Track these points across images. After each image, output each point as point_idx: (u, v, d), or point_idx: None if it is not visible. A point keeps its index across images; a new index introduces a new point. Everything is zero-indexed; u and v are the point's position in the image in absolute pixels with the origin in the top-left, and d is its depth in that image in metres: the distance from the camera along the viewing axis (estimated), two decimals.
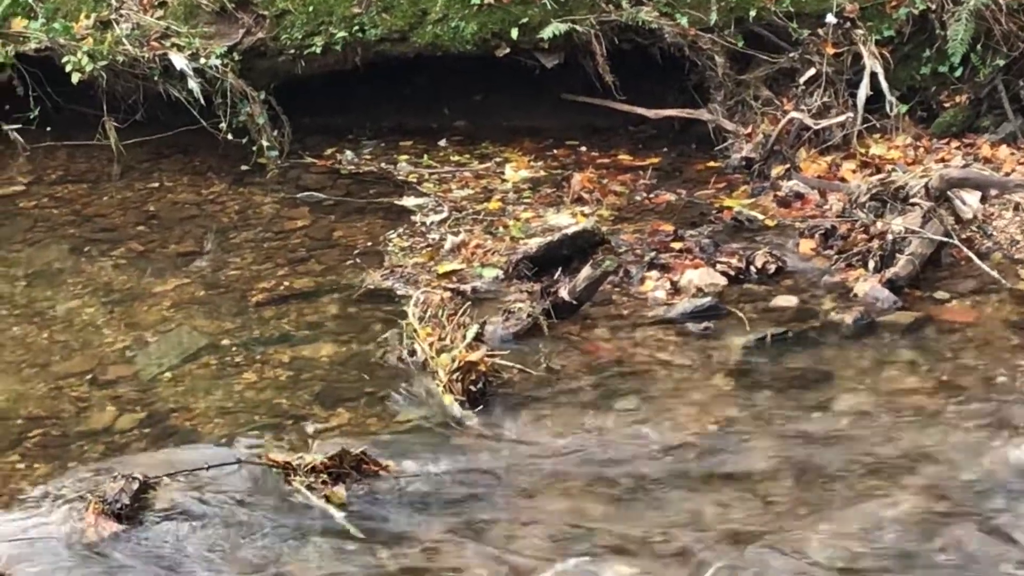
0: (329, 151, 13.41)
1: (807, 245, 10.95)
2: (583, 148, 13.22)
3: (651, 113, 13.17)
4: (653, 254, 10.88)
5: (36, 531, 8.17)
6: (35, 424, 9.25)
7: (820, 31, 12.58)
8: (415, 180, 12.69)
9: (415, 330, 9.69)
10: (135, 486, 8.31)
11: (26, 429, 9.18)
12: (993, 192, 11.15)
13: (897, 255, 10.32)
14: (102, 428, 9.18)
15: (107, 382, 9.71)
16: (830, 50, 12.50)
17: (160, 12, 13.36)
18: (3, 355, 10.12)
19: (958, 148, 12.15)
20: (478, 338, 9.48)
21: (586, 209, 11.73)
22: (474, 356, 9.21)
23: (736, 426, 8.84)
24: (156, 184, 12.95)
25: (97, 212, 12.44)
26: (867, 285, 10.19)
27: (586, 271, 10.20)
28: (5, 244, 11.99)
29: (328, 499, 8.32)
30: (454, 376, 9.16)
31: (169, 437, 9.05)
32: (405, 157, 13.19)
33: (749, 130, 12.48)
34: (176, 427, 9.15)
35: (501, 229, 11.49)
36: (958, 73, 12.41)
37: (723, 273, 10.57)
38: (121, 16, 13.28)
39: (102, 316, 10.66)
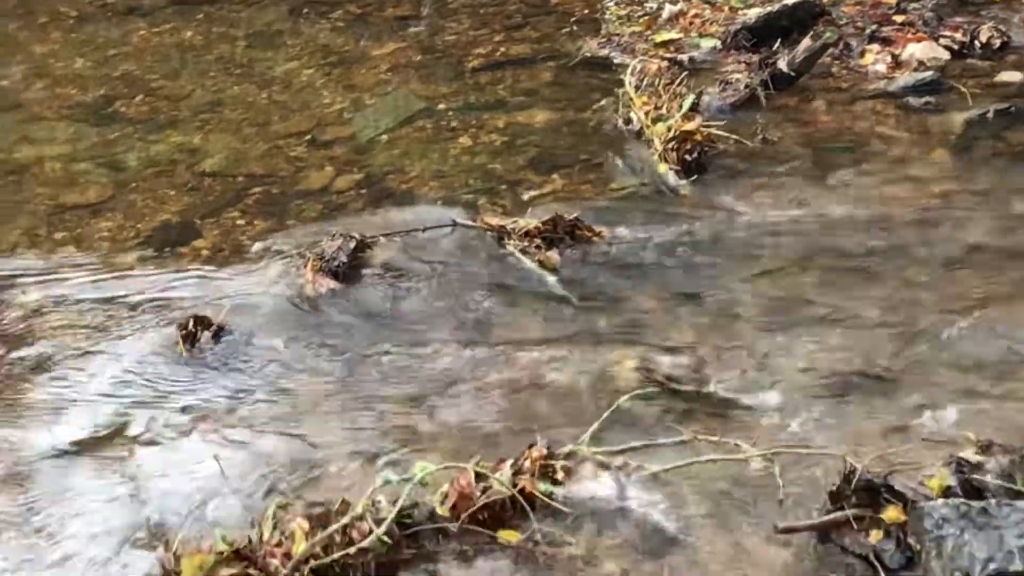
0: None
1: None
2: None
3: None
4: (874, 27, 10.63)
5: (255, 285, 8.36)
6: (255, 182, 9.43)
7: None
8: None
9: (631, 99, 9.62)
10: (352, 245, 8.44)
11: (246, 186, 9.37)
12: None
13: None
14: (319, 188, 9.32)
15: (325, 143, 9.84)
16: None
17: None
18: (224, 114, 10.30)
19: None
20: (694, 108, 9.39)
21: None
22: (690, 126, 9.13)
23: (955, 201, 8.66)
24: None
25: None
26: None
27: (806, 43, 10.00)
28: (226, 5, 12.11)
29: (541, 263, 8.38)
30: (669, 145, 9.09)
31: (385, 199, 9.16)
32: None
33: None
34: (392, 189, 9.26)
35: None
36: None
37: (946, 47, 10.29)
38: None
39: (320, 78, 10.76)
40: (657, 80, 9.74)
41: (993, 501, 5.82)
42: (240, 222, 8.96)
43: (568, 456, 6.45)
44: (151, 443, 6.94)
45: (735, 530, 6.09)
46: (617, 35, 10.89)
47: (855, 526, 5.90)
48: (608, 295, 8.08)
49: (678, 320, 7.83)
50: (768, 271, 8.24)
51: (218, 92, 10.66)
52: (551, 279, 8.25)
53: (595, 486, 6.34)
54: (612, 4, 11.47)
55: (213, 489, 6.45)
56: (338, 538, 5.85)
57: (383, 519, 5.91)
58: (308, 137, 9.88)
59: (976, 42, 10.30)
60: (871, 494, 5.97)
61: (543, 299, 8.11)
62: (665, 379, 7.27)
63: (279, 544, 5.83)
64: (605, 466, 6.43)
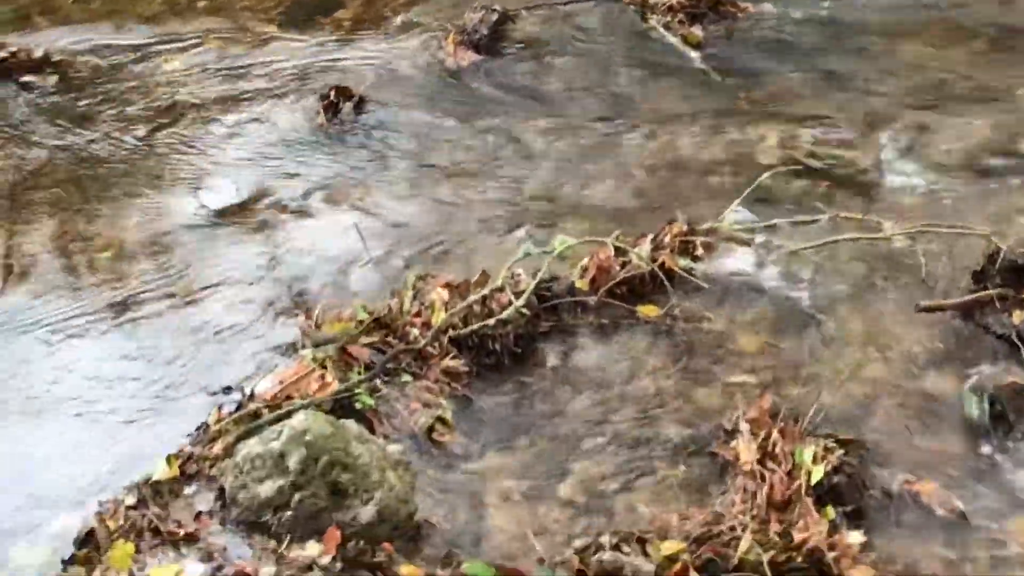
0: None
1: None
2: None
3: None
4: None
5: (396, 57, 8.35)
6: None
7: None
8: None
9: None
10: (494, 17, 8.39)
11: None
12: None
13: None
14: None
15: None
16: None
17: None
18: None
19: None
20: None
21: None
22: None
23: None
24: None
25: None
26: None
27: None
28: None
29: (684, 39, 8.28)
30: None
31: None
32: None
33: None
34: None
35: None
36: None
37: None
38: None
39: None
40: None
41: None
42: None
43: (708, 232, 6.41)
44: (291, 212, 6.99)
45: (875, 308, 6.05)
46: None
47: (998, 306, 5.83)
48: (751, 71, 7.98)
49: (823, 97, 7.73)
50: (919, 48, 8.09)
51: None
52: (694, 54, 8.16)
53: (734, 262, 6.32)
54: None
55: (354, 258, 6.50)
56: (477, 309, 5.89)
57: (522, 291, 5.93)
58: None
59: None
60: (1015, 274, 5.89)
61: (685, 74, 8.03)
62: (808, 156, 7.19)
63: (418, 314, 5.88)
64: (745, 242, 6.39)
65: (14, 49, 8.24)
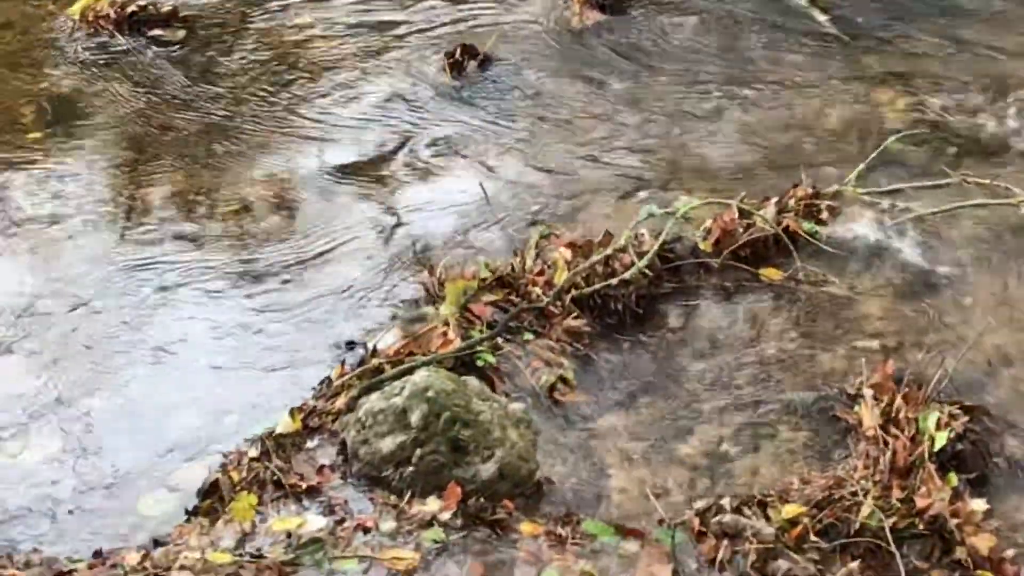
0: None
1: None
2: None
3: None
4: None
5: (522, 16, 8.33)
6: None
7: None
8: None
9: None
10: None
11: None
12: None
13: None
14: None
15: None
16: None
17: None
18: None
19: None
20: None
21: None
22: None
23: None
24: None
25: None
26: None
27: None
28: None
29: (813, 0, 8.22)
30: None
31: None
32: None
33: None
34: None
35: None
36: None
37: None
38: None
39: None
40: None
41: None
42: None
43: (833, 196, 6.37)
44: (415, 169, 7.02)
45: (1002, 276, 5.98)
46: None
47: None
48: (880, 35, 7.89)
49: (952, 61, 7.64)
50: None
51: None
52: (822, 17, 8.09)
53: (860, 227, 6.27)
54: None
55: (476, 217, 6.51)
56: (600, 269, 5.89)
57: (645, 252, 5.92)
58: None
59: None
60: None
61: (813, 37, 7.96)
62: (936, 121, 7.11)
63: (541, 273, 5.89)
64: (871, 207, 6.34)
65: (144, 3, 8.31)
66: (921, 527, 4.68)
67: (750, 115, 7.30)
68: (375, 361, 5.35)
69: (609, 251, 5.93)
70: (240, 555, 4.53)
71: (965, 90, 7.36)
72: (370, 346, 5.51)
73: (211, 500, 4.87)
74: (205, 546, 4.60)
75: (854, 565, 4.53)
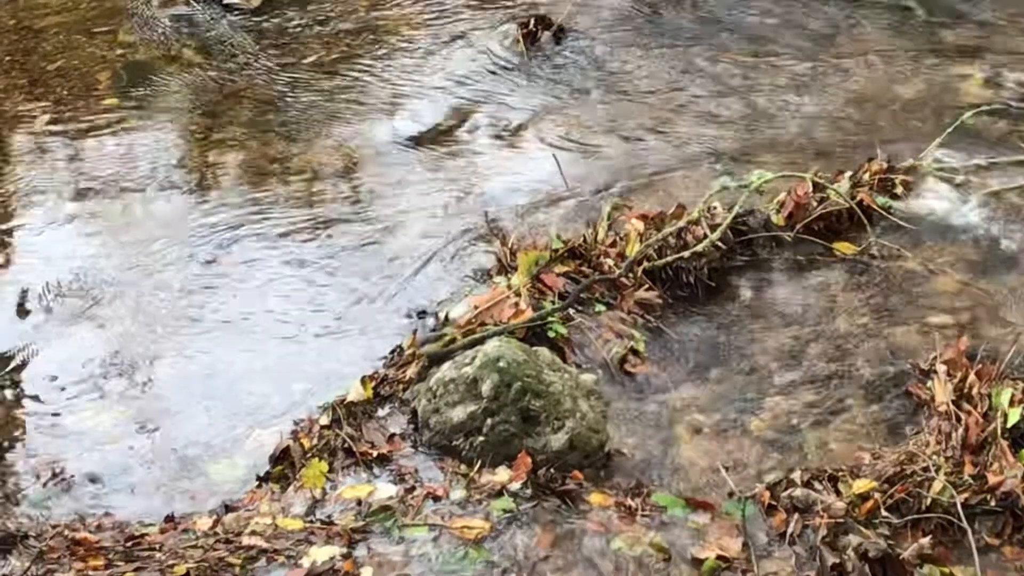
0: None
1: None
2: None
3: None
4: None
5: None
6: None
7: None
8: None
9: None
10: None
11: None
12: None
13: None
14: None
15: None
16: None
17: None
18: None
19: None
20: None
21: None
22: None
23: None
24: None
25: None
26: None
27: None
28: None
29: None
30: None
31: None
32: None
33: None
34: None
35: None
36: None
37: None
38: None
39: None
40: None
41: None
42: None
43: (908, 170, 6.33)
44: (488, 139, 7.02)
45: None
46: None
47: None
48: (957, 9, 7.83)
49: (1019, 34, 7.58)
50: None
51: None
52: None
53: (935, 202, 6.23)
54: None
55: (549, 188, 6.51)
56: (672, 241, 5.87)
57: (718, 225, 5.90)
58: None
59: None
60: None
61: (889, 10, 7.90)
62: (1013, 96, 7.04)
63: (613, 244, 5.88)
64: (946, 182, 6.30)
65: None
66: (993, 503, 4.66)
67: (825, 89, 7.26)
68: (447, 330, 5.35)
69: (682, 223, 5.91)
70: (310, 521, 4.56)
71: None
72: (442, 315, 5.52)
73: (282, 466, 4.90)
74: (276, 512, 4.63)
75: (925, 540, 4.50)
